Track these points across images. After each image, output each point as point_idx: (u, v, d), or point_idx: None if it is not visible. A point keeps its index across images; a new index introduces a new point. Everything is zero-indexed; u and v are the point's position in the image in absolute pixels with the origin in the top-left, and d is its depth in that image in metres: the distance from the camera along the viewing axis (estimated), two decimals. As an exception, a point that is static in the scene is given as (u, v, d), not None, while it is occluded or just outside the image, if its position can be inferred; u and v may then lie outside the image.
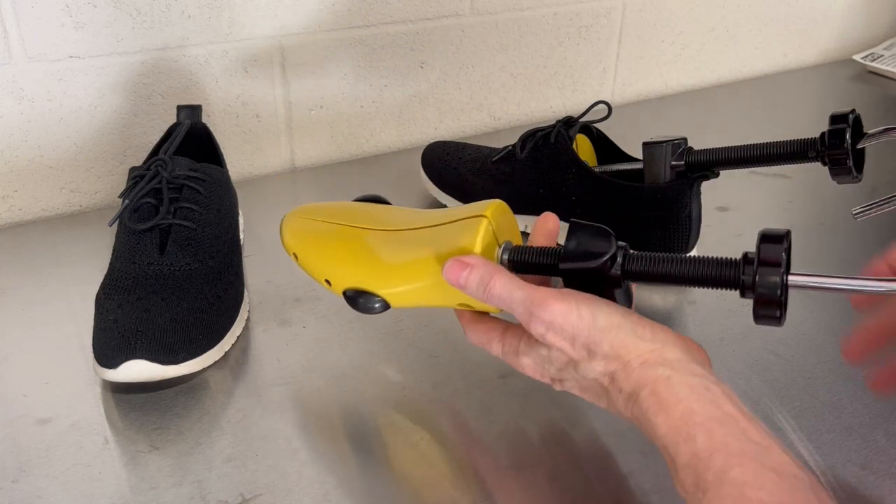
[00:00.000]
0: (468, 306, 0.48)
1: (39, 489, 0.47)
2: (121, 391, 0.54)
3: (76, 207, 0.78)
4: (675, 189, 0.64)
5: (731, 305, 0.64)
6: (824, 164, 0.61)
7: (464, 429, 0.52)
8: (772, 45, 1.19)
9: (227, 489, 0.47)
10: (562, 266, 0.45)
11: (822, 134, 0.60)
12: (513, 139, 0.74)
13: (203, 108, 0.71)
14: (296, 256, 0.55)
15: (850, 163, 0.60)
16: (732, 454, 0.36)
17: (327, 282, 0.53)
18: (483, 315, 0.49)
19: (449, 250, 0.47)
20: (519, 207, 0.73)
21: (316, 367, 0.57)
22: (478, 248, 0.46)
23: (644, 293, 0.66)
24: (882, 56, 1.21)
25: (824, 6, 1.21)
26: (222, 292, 0.58)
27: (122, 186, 0.77)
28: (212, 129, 0.74)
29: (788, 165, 0.63)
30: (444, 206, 0.77)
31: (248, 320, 0.62)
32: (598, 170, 0.70)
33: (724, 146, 0.64)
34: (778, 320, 0.43)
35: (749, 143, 0.63)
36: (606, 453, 0.50)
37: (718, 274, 0.43)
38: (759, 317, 0.43)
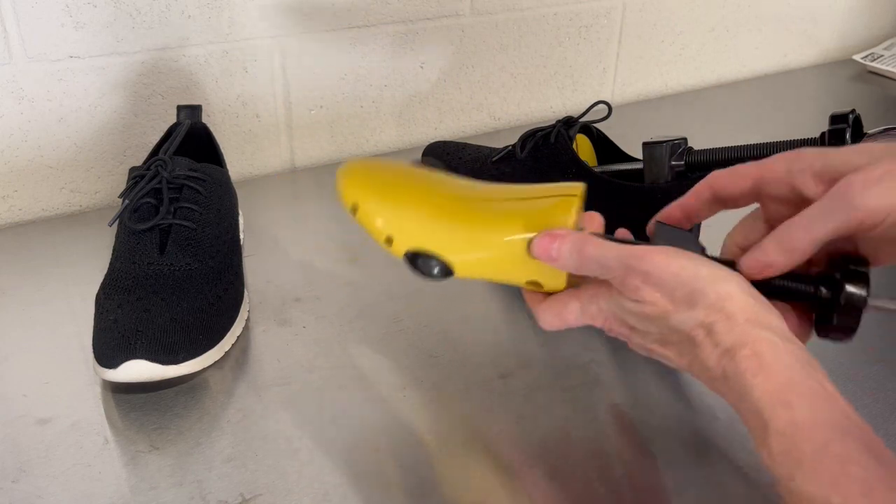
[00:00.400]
0: (537, 285, 0.48)
1: (39, 489, 0.47)
2: (121, 391, 0.54)
3: (76, 207, 0.78)
4: (675, 189, 0.64)
5: (731, 305, 0.64)
6: (824, 164, 0.61)
7: (464, 429, 0.52)
8: (772, 45, 1.19)
9: (227, 489, 0.47)
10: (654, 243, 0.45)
11: (823, 134, 0.60)
12: (513, 139, 0.74)
13: (203, 108, 0.70)
14: (355, 208, 0.51)
15: (850, 163, 0.59)
16: (835, 429, 0.35)
17: (388, 240, 0.50)
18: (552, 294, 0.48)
19: (538, 225, 0.46)
20: (519, 207, 0.73)
21: (316, 367, 0.57)
22: (571, 224, 0.46)
23: (644, 293, 0.66)
24: (882, 56, 1.21)
25: (824, 6, 1.21)
26: (222, 292, 0.58)
27: (122, 186, 0.77)
28: (212, 129, 0.74)
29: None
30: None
31: (248, 320, 0.62)
32: (598, 170, 0.70)
33: (724, 146, 0.64)
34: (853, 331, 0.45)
35: (749, 143, 0.63)
36: (606, 453, 0.50)
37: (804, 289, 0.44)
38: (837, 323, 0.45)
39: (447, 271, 0.48)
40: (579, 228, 0.48)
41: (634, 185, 0.66)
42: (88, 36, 0.72)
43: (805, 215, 0.42)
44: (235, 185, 0.69)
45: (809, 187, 0.43)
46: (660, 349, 0.44)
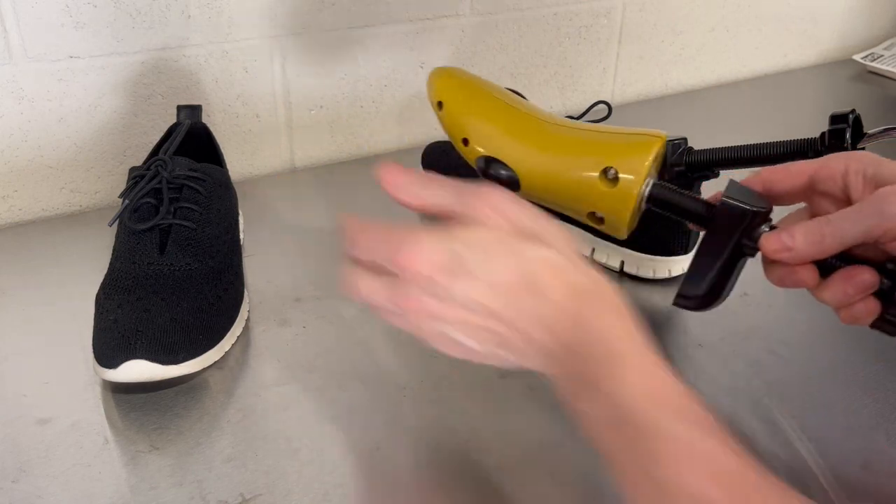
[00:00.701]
0: (598, 219, 0.49)
1: (39, 489, 0.47)
2: (121, 391, 0.54)
3: (76, 207, 0.78)
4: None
5: (732, 305, 0.64)
6: (824, 163, 0.61)
7: (464, 429, 0.52)
8: (772, 45, 1.19)
9: (227, 489, 0.47)
10: (724, 199, 0.46)
11: (823, 134, 0.60)
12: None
13: (203, 108, 0.70)
14: (440, 105, 0.53)
15: (850, 163, 0.60)
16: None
17: (464, 141, 0.51)
18: None
19: (614, 158, 0.48)
20: (519, 207, 0.73)
21: (316, 367, 0.57)
22: (648, 163, 0.47)
23: (644, 292, 0.66)
24: (882, 56, 1.21)
25: (824, 6, 1.21)
26: (222, 292, 0.58)
27: (122, 186, 0.77)
28: (212, 129, 0.74)
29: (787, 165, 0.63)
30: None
31: (248, 320, 0.62)
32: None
33: (724, 146, 0.64)
34: None
35: (749, 143, 0.63)
36: (606, 453, 0.50)
37: None
38: None
39: (515, 183, 0.49)
40: (653, 176, 0.49)
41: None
42: (88, 36, 0.72)
43: (839, 214, 0.43)
44: (235, 185, 0.69)
45: (857, 189, 0.44)
46: None
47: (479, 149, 0.50)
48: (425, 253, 0.39)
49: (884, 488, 0.48)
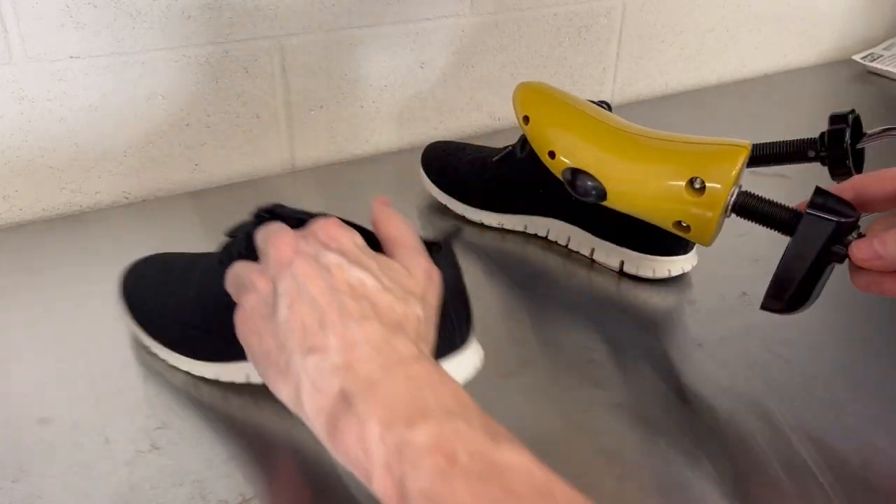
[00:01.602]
0: (684, 228, 0.49)
1: (39, 489, 0.47)
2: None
3: (76, 207, 0.78)
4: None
5: (732, 305, 0.64)
6: (824, 164, 0.61)
7: (464, 429, 0.52)
8: (772, 45, 1.19)
9: (227, 489, 0.47)
10: (808, 211, 0.46)
11: (822, 134, 0.60)
12: (513, 139, 0.74)
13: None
14: (526, 120, 0.55)
15: (850, 163, 0.60)
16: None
17: (551, 154, 0.53)
18: None
19: (700, 168, 0.48)
20: (519, 207, 0.73)
21: (316, 367, 0.57)
22: (735, 172, 0.48)
23: (643, 293, 0.67)
24: (882, 56, 1.21)
25: (824, 6, 1.21)
26: None
27: (122, 186, 0.77)
28: (212, 128, 0.74)
29: (788, 165, 0.63)
30: (446, 206, 0.77)
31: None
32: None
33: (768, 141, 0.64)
34: None
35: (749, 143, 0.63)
36: (607, 453, 0.50)
37: None
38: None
39: (601, 194, 0.50)
40: (738, 185, 0.49)
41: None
42: (88, 36, 0.72)
43: None
44: (235, 186, 0.69)
45: None
46: None
47: (566, 161, 0.51)
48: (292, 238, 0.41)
49: (884, 488, 0.48)
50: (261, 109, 0.83)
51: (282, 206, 0.48)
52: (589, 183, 0.51)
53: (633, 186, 0.50)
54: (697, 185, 0.51)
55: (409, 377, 0.37)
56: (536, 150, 0.54)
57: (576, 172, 0.51)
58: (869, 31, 1.28)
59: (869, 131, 0.61)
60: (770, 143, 0.63)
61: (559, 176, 0.54)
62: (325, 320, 0.38)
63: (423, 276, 0.43)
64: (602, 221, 0.68)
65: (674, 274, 0.67)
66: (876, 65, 1.18)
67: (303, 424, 0.53)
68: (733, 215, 0.52)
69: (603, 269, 0.69)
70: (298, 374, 0.38)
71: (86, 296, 0.64)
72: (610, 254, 0.69)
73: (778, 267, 0.48)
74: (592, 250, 0.70)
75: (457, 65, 0.93)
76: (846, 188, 0.48)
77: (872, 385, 0.56)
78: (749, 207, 0.50)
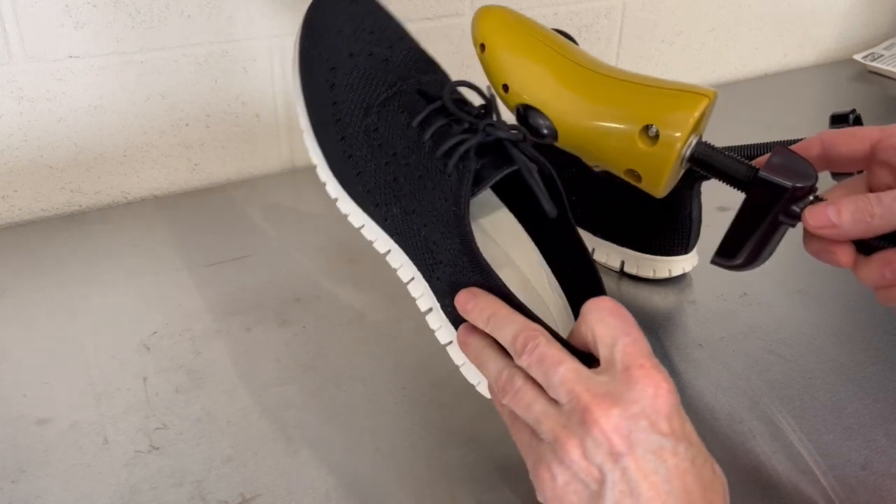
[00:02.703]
0: (635, 175, 0.47)
1: (39, 489, 0.47)
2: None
3: (76, 207, 0.78)
4: (675, 189, 0.64)
5: (731, 305, 0.64)
6: (824, 163, 0.61)
7: (464, 429, 0.52)
8: (772, 45, 1.19)
9: (227, 489, 0.47)
10: (761, 173, 0.44)
11: (823, 134, 0.60)
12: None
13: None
14: (482, 48, 0.52)
15: (850, 162, 0.59)
16: None
17: (505, 87, 0.50)
18: None
19: (657, 113, 0.46)
20: (519, 207, 0.73)
21: (316, 367, 0.57)
22: (692, 121, 0.45)
23: (643, 292, 0.66)
24: (882, 56, 1.20)
25: (825, 6, 1.21)
26: None
27: (122, 186, 0.77)
28: (211, 128, 0.74)
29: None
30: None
31: (246, 321, 0.62)
32: (598, 169, 0.70)
33: (724, 146, 0.64)
34: None
35: (749, 143, 0.63)
36: (606, 453, 0.50)
37: None
38: None
39: (553, 134, 0.48)
40: (698, 135, 0.47)
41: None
42: (88, 36, 0.72)
43: (893, 194, 0.40)
44: (235, 186, 0.69)
45: None
46: None
47: (520, 96, 0.49)
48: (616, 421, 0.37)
49: (884, 488, 0.48)
50: (260, 109, 0.83)
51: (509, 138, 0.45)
52: (541, 121, 0.48)
53: (587, 128, 0.47)
54: (651, 134, 0.48)
55: None
56: (490, 81, 0.51)
57: (528, 108, 0.48)
58: (869, 30, 1.28)
59: (869, 131, 0.60)
60: (771, 143, 0.63)
61: (511, 111, 0.51)
62: None
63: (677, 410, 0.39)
64: (602, 221, 0.68)
65: (674, 274, 0.67)
66: (877, 64, 1.18)
67: (300, 425, 0.53)
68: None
69: (603, 268, 0.69)
70: None
71: (85, 296, 0.64)
72: (610, 253, 0.68)
73: (732, 223, 0.47)
74: (593, 250, 0.70)
75: (457, 65, 0.93)
76: (813, 143, 0.46)
77: (872, 385, 0.56)
78: (705, 160, 0.47)
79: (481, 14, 0.53)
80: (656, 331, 0.62)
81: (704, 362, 0.58)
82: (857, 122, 0.61)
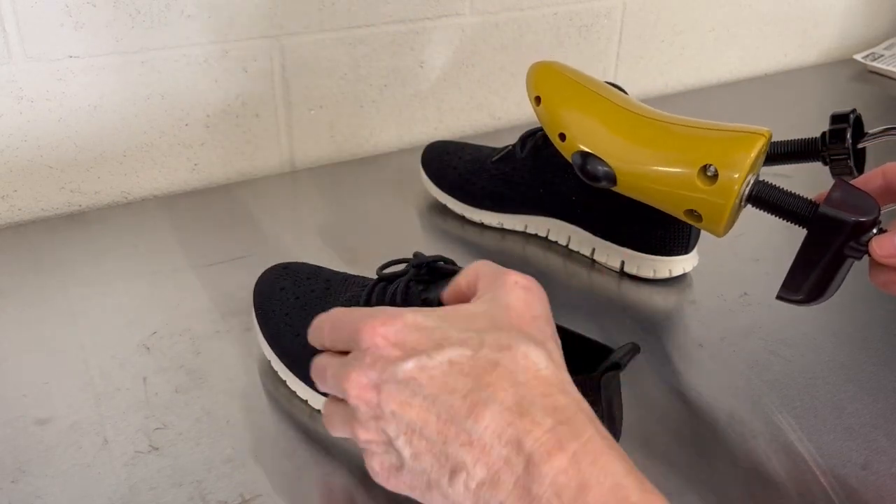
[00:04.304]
0: (696, 216, 0.48)
1: (38, 489, 0.47)
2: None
3: (76, 207, 0.78)
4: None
5: (732, 305, 0.64)
6: (825, 163, 0.61)
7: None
8: (772, 45, 1.19)
9: (226, 489, 0.47)
10: (822, 209, 0.44)
11: (823, 133, 0.60)
12: (513, 139, 0.73)
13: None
14: (538, 100, 0.53)
15: (851, 162, 0.59)
16: None
17: (561, 136, 0.51)
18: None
19: (714, 154, 0.46)
20: (519, 207, 0.73)
21: (316, 367, 0.57)
22: (749, 161, 0.46)
23: (644, 293, 0.66)
24: (882, 56, 1.20)
25: (825, 6, 1.21)
26: None
27: (121, 186, 0.77)
28: (211, 128, 0.74)
29: (789, 165, 0.63)
30: (446, 206, 0.77)
31: (245, 321, 0.61)
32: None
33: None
34: None
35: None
36: (606, 453, 0.50)
37: None
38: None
39: (612, 179, 0.49)
40: (755, 174, 0.48)
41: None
42: (88, 36, 0.72)
43: None
44: (235, 186, 0.69)
45: None
46: None
47: (576, 144, 0.50)
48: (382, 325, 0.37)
49: (884, 488, 0.48)
50: (260, 109, 0.83)
51: (434, 261, 0.46)
52: (600, 167, 0.49)
53: (645, 172, 0.49)
54: (710, 173, 0.49)
55: (560, 471, 0.33)
56: (547, 131, 0.52)
57: (586, 156, 0.50)
58: (870, 30, 1.28)
59: (870, 131, 0.60)
60: (771, 142, 0.63)
61: (569, 159, 0.53)
62: (446, 437, 0.35)
63: (519, 297, 0.39)
64: (603, 221, 0.68)
65: (675, 274, 0.67)
66: (877, 64, 1.18)
67: (300, 425, 0.53)
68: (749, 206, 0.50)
69: (603, 269, 0.69)
70: (461, 501, 0.35)
71: (85, 296, 0.64)
72: (611, 254, 0.68)
73: (795, 258, 0.47)
74: (593, 250, 0.70)
75: (457, 65, 0.93)
76: (876, 174, 0.46)
77: (873, 385, 0.56)
78: (764, 198, 0.48)
79: (535, 69, 0.55)
80: (656, 331, 0.62)
81: (704, 362, 0.58)
82: (858, 122, 0.61)
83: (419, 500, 0.38)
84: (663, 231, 0.65)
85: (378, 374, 0.37)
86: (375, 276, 0.51)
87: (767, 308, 0.64)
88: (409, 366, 0.36)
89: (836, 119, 0.60)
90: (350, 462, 0.49)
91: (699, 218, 0.48)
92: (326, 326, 0.41)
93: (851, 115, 0.60)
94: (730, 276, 0.68)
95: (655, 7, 1.04)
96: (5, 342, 0.59)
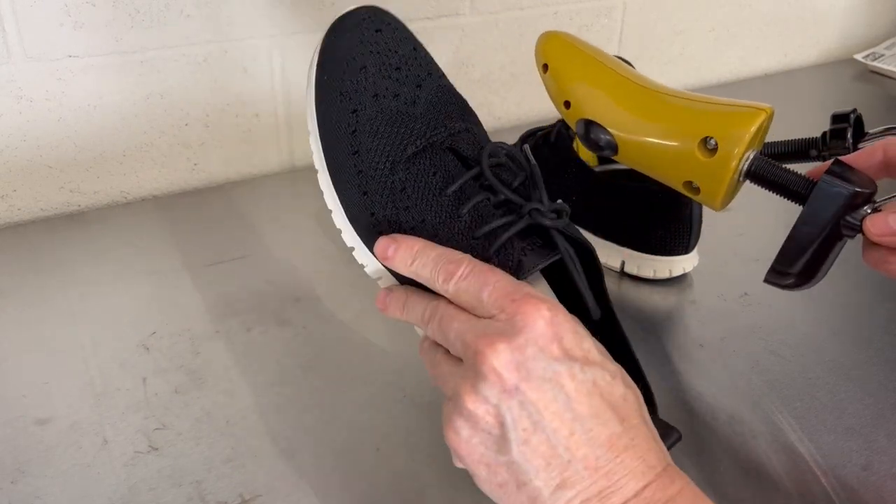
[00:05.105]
0: (694, 188, 0.48)
1: (38, 489, 0.47)
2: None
3: (76, 207, 0.78)
4: (675, 189, 0.64)
5: (732, 305, 0.64)
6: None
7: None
8: (772, 45, 1.19)
9: (226, 489, 0.47)
10: (821, 180, 0.44)
11: (824, 133, 0.60)
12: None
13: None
14: (545, 67, 0.55)
15: (851, 162, 0.59)
16: None
17: (566, 104, 0.53)
18: None
19: (716, 126, 0.47)
20: (519, 207, 0.73)
21: (315, 368, 0.57)
22: (749, 135, 0.46)
23: (644, 292, 0.66)
24: (883, 56, 1.20)
25: (825, 6, 1.21)
26: None
27: (121, 186, 0.77)
28: (211, 128, 0.74)
29: (789, 165, 0.63)
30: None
31: (246, 321, 0.61)
32: (598, 169, 0.70)
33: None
34: None
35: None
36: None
37: None
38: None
39: (613, 147, 0.50)
40: (755, 150, 0.48)
41: (635, 185, 0.65)
42: (87, 35, 0.72)
43: None
44: (235, 186, 0.69)
45: None
46: None
47: (581, 112, 0.51)
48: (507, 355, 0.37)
49: (884, 489, 0.48)
50: (260, 109, 0.83)
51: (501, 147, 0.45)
52: (602, 135, 0.51)
53: (646, 142, 0.50)
54: (710, 146, 0.49)
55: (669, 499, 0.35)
56: (552, 99, 0.54)
57: (590, 124, 0.51)
58: (870, 30, 1.28)
59: (871, 131, 0.60)
60: (771, 142, 0.62)
61: (572, 126, 0.54)
62: (573, 454, 0.35)
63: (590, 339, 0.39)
64: (603, 220, 0.68)
65: (675, 274, 0.67)
66: (878, 64, 1.18)
67: (300, 425, 0.53)
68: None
69: (603, 268, 0.69)
70: None
71: (85, 296, 0.64)
72: (611, 253, 0.68)
73: (787, 238, 0.46)
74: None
75: (457, 65, 0.93)
76: (877, 149, 0.46)
77: (873, 385, 0.56)
78: (763, 174, 0.48)
79: (545, 37, 0.57)
80: (656, 331, 0.62)
81: (705, 362, 0.58)
82: (858, 122, 0.61)
83: (483, 485, 0.38)
84: (664, 231, 0.65)
85: (530, 361, 0.36)
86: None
87: (768, 308, 0.64)
88: (562, 369, 0.36)
89: (837, 119, 0.60)
90: (350, 462, 0.49)
91: (697, 190, 0.49)
92: (465, 268, 0.40)
93: (852, 115, 0.60)
94: (730, 276, 0.68)
95: (655, 7, 1.04)
96: (5, 342, 0.59)
